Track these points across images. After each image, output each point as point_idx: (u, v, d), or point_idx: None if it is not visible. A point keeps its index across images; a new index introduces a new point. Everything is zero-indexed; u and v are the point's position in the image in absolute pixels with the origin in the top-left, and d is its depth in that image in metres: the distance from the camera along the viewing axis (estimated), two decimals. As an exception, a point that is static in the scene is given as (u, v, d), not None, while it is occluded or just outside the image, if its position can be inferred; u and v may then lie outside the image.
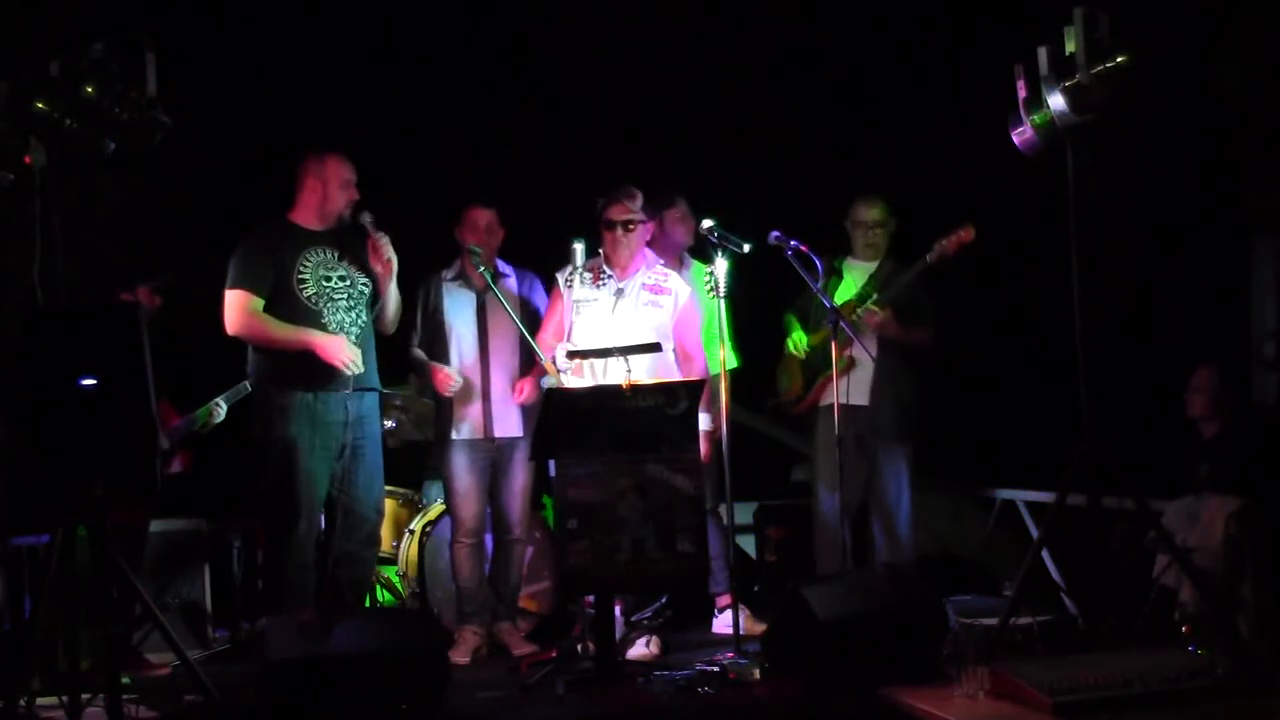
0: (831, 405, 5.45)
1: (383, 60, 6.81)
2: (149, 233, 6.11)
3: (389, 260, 5.28)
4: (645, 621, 5.44)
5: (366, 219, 5.28)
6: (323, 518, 5.39)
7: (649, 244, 5.60)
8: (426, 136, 6.97)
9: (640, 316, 5.43)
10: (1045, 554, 5.45)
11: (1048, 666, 3.97)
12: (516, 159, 6.81)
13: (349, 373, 5.17)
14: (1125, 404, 5.24)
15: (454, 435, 5.59)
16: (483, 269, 5.52)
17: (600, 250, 5.47)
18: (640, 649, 5.39)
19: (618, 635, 5.42)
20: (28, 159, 4.29)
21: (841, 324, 5.39)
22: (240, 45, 6.46)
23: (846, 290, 5.80)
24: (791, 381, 5.92)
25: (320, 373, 5.16)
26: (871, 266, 5.84)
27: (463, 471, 5.59)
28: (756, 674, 4.78)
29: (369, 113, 6.77)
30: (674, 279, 5.56)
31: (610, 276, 5.47)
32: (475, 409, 5.59)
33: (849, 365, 5.60)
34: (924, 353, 5.74)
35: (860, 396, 5.67)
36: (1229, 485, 5.06)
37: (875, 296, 5.65)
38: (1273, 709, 3.86)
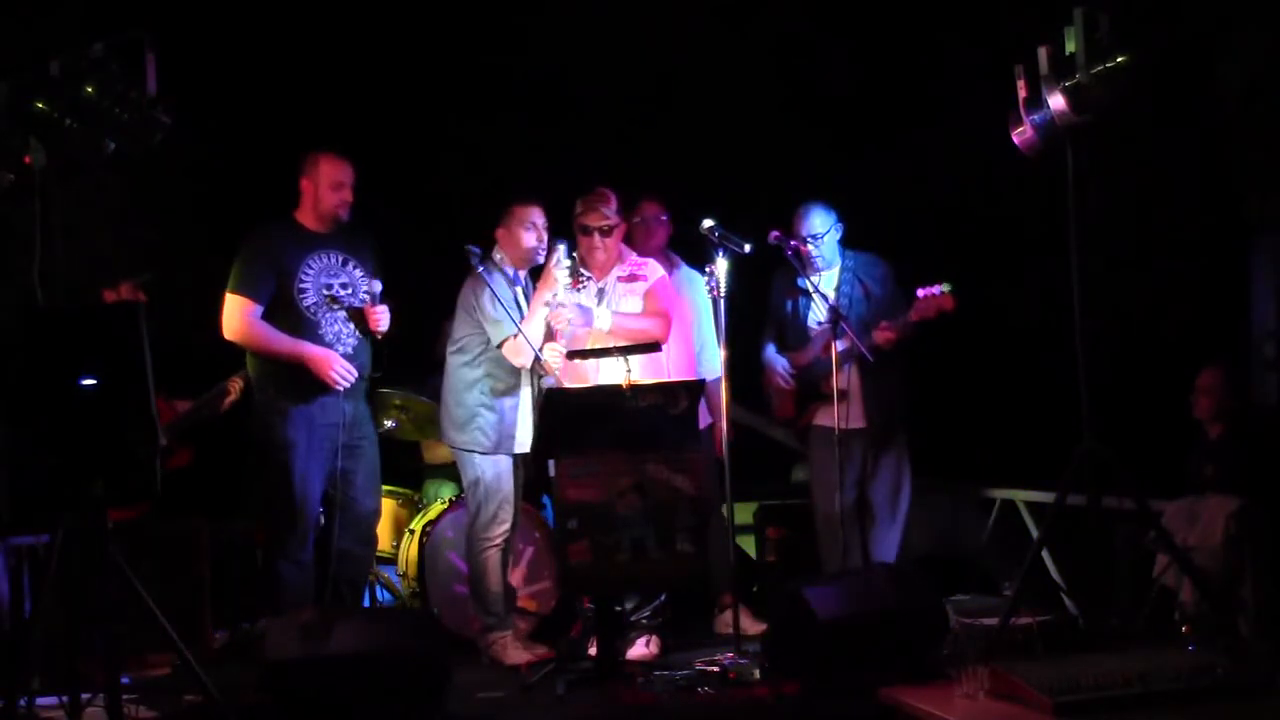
0: (825, 425, 5.50)
1: (382, 59, 6.81)
2: (149, 233, 6.11)
3: (381, 331, 5.24)
4: (645, 621, 5.44)
5: (376, 288, 5.24)
6: (321, 516, 5.38)
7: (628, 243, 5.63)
8: (426, 135, 6.97)
9: (624, 309, 5.46)
10: (1045, 554, 5.45)
11: (1048, 666, 3.97)
12: (516, 158, 6.81)
13: (339, 388, 5.16)
14: (1125, 404, 5.24)
15: (515, 449, 5.45)
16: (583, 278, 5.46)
17: (574, 254, 5.46)
18: (640, 649, 5.38)
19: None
20: (28, 159, 4.28)
21: (841, 324, 5.39)
22: (240, 44, 6.46)
23: (819, 308, 5.68)
24: (780, 402, 5.89)
25: (317, 379, 5.16)
26: (834, 275, 5.74)
27: (511, 476, 5.49)
28: (756, 674, 4.78)
29: (367, 111, 6.77)
30: (650, 265, 5.58)
31: (589, 278, 5.48)
32: (529, 420, 5.44)
33: (837, 397, 5.55)
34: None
35: (855, 420, 5.63)
36: (1232, 486, 5.06)
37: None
38: (1273, 709, 3.86)
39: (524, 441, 5.42)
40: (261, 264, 5.22)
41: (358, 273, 5.34)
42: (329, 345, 5.22)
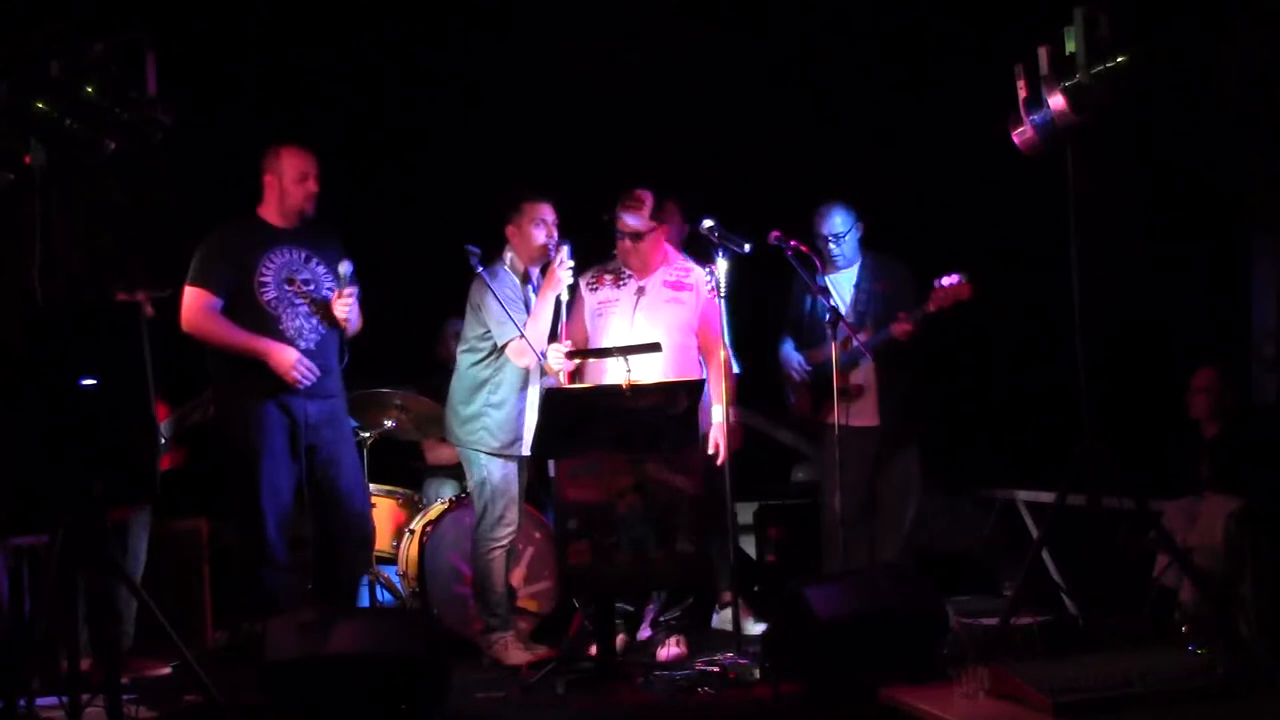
0: (841, 423, 5.47)
1: (381, 58, 6.81)
2: (149, 233, 6.11)
3: (345, 320, 5.21)
4: (673, 621, 5.43)
5: (344, 269, 5.19)
6: (314, 519, 5.35)
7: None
8: (424, 134, 6.97)
9: (663, 314, 5.43)
10: (1045, 554, 5.45)
11: (1048, 666, 3.97)
12: (521, 155, 6.81)
13: (300, 386, 5.12)
14: (1125, 404, 5.24)
15: (522, 451, 5.44)
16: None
17: (614, 253, 5.47)
18: (672, 649, 5.36)
19: (647, 636, 5.47)
20: (28, 159, 4.28)
21: (842, 323, 5.40)
22: (239, 44, 6.47)
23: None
24: (799, 398, 5.89)
25: (278, 378, 5.11)
26: (853, 273, 5.79)
27: (517, 477, 5.49)
28: (756, 674, 4.78)
29: (368, 110, 6.77)
30: (695, 273, 5.52)
31: (630, 276, 5.47)
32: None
33: (855, 393, 5.57)
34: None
35: (868, 418, 5.66)
36: (1230, 485, 5.07)
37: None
38: (1273, 709, 3.86)
39: (530, 443, 5.40)
40: (220, 257, 5.17)
41: (321, 269, 5.27)
42: (290, 341, 5.16)
